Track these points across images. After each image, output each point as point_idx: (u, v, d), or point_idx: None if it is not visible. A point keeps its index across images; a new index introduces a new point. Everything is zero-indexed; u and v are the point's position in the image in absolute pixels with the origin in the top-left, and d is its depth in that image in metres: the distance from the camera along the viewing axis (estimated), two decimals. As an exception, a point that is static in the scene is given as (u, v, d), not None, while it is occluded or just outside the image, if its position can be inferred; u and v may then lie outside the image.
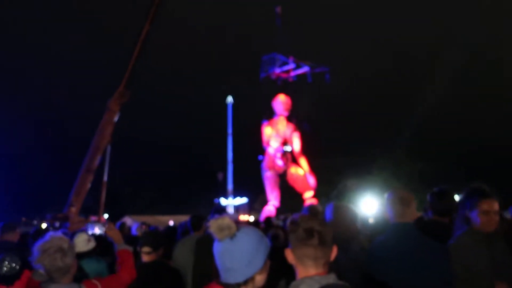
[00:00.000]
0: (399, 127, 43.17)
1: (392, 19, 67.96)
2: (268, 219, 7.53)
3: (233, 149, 47.53)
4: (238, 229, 1.96)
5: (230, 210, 43.45)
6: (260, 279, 1.95)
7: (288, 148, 14.52)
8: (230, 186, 46.73)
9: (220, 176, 46.60)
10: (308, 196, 14.66)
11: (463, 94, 57.93)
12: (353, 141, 44.87)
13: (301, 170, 14.75)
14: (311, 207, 5.16)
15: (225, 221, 1.93)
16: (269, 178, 14.73)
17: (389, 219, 6.84)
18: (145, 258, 3.71)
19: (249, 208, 48.15)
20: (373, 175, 35.67)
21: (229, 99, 48.83)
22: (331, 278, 1.90)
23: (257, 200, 49.82)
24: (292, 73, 16.37)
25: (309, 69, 16.18)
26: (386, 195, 3.24)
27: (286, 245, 4.93)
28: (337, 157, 37.41)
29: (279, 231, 5.97)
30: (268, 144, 14.89)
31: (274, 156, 14.69)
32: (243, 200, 45.48)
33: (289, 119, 15.37)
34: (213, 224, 1.94)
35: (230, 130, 47.73)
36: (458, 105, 54.99)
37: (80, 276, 3.63)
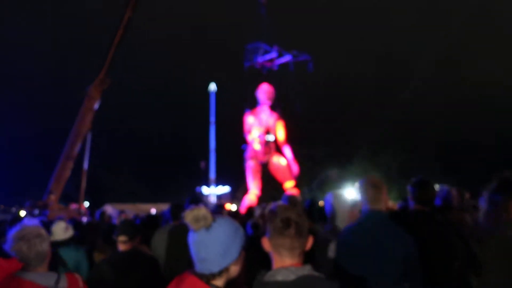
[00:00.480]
0: (379, 118, 43.64)
1: (379, 8, 68.26)
2: (250, 208, 7.56)
3: (216, 138, 47.44)
4: (214, 219, 1.96)
5: (213, 199, 43.47)
6: (234, 269, 1.97)
7: (270, 138, 14.51)
8: (212, 175, 46.71)
9: (202, 164, 46.52)
10: (289, 186, 14.73)
11: (443, 87, 58.71)
12: (334, 132, 45.21)
13: (284, 160, 14.80)
14: (290, 197, 5.22)
15: (201, 211, 1.93)
16: (251, 167, 14.75)
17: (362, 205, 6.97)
18: (122, 247, 3.72)
19: (232, 197, 48.26)
20: (353, 165, 36.09)
21: (212, 87, 48.59)
22: (306, 270, 1.93)
23: (239, 189, 49.98)
24: (276, 62, 16.34)
25: (291, 57, 16.19)
26: (358, 182, 3.32)
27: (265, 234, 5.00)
28: (318, 147, 37.74)
29: (259, 220, 6.04)
30: (250, 131, 14.90)
31: (253, 142, 14.71)
32: (225, 189, 45.55)
33: (273, 108, 15.37)
34: (189, 215, 1.93)
35: (213, 119, 47.58)
36: (438, 97, 55.76)
37: (58, 264, 3.64)
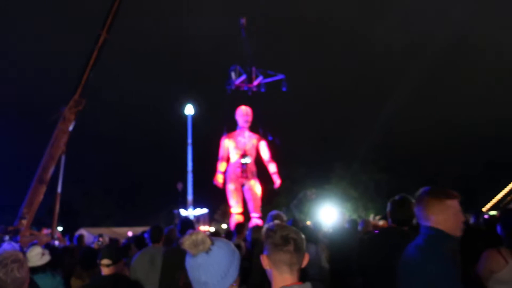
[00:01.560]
0: (356, 139, 44.28)
1: (357, 29, 69.86)
2: (239, 225, 7.21)
3: (193, 159, 47.12)
4: (212, 243, 1.95)
5: (190, 215, 42.93)
6: None
7: (247, 160, 14.50)
8: (190, 197, 46.21)
9: (179, 186, 46.00)
10: (254, 216, 14.71)
11: (419, 108, 60.14)
12: (312, 152, 45.55)
13: (259, 189, 14.80)
14: (276, 215, 5.22)
15: (200, 236, 1.92)
16: (231, 189, 14.66)
17: (345, 227, 6.97)
18: (105, 270, 3.60)
19: (210, 219, 47.76)
20: (331, 184, 36.33)
21: (189, 109, 48.48)
22: (307, 287, 2.00)
23: (217, 211, 49.62)
24: (254, 83, 16.52)
25: (262, 78, 16.41)
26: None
27: (248, 256, 4.92)
28: (296, 167, 37.87)
29: (241, 241, 5.96)
30: (223, 157, 14.87)
31: (233, 170, 14.68)
32: (203, 210, 45.06)
33: (253, 129, 15.44)
34: (187, 240, 1.92)
35: (190, 140, 47.31)
36: (413, 118, 57.00)
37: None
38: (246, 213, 14.77)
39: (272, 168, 15.38)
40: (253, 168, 14.67)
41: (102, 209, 52.58)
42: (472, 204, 24.86)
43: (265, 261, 2.07)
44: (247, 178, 14.56)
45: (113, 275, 3.56)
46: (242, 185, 14.67)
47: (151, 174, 59.77)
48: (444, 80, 65.64)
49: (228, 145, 14.75)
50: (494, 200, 28.35)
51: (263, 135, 15.59)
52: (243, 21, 16.79)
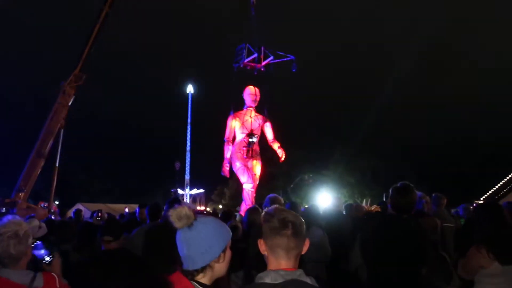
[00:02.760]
0: (354, 125, 44.23)
1: (360, 19, 69.23)
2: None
3: (191, 139, 47.12)
4: (195, 218, 2.01)
5: (187, 200, 43.11)
6: (219, 267, 2.02)
7: (253, 139, 14.46)
8: (187, 176, 46.37)
9: (177, 165, 46.09)
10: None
11: (416, 95, 59.92)
12: (310, 136, 45.54)
13: (259, 170, 14.83)
14: (273, 198, 5.23)
15: (184, 210, 1.99)
16: (239, 167, 14.65)
17: (340, 211, 7.01)
18: (106, 246, 3.64)
19: (206, 199, 48.01)
20: (328, 170, 36.45)
21: (190, 88, 48.29)
22: (297, 274, 1.92)
23: (214, 191, 49.78)
24: (263, 63, 16.39)
25: (272, 58, 16.27)
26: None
27: (244, 238, 4.95)
28: (294, 151, 37.91)
29: (237, 223, 5.99)
30: (229, 138, 14.82)
31: (238, 149, 14.65)
32: (199, 191, 45.24)
33: (259, 110, 15.39)
34: (173, 213, 1.99)
35: (189, 120, 47.27)
36: (412, 105, 56.86)
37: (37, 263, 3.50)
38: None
39: (276, 145, 15.35)
40: (257, 149, 14.67)
41: (100, 185, 52.75)
42: (467, 195, 24.98)
43: (262, 246, 2.03)
44: (251, 157, 14.56)
45: (115, 250, 3.58)
46: (246, 164, 14.68)
47: (150, 152, 59.79)
48: (444, 64, 65.35)
49: (234, 125, 14.71)
50: (490, 192, 28.55)
51: (267, 116, 15.52)
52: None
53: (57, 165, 25.48)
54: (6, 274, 2.44)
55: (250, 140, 14.20)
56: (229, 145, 14.49)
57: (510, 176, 28.04)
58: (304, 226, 2.01)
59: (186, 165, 46.51)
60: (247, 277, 4.35)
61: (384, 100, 45.52)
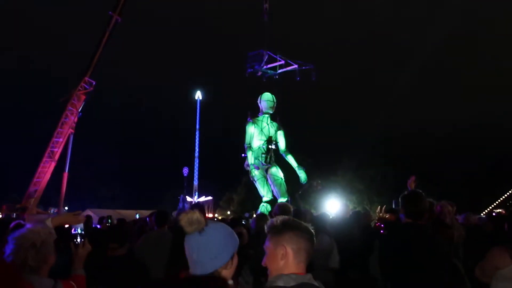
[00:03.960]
0: (364, 131, 44.06)
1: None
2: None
3: (199, 145, 47.24)
4: (207, 224, 2.02)
5: (194, 201, 43.10)
6: (226, 273, 2.02)
7: (273, 146, 14.43)
8: (195, 182, 46.44)
9: (185, 171, 46.15)
10: (282, 201, 14.65)
11: (425, 100, 59.64)
12: (319, 142, 45.45)
13: (281, 174, 14.73)
14: (282, 205, 5.23)
15: (195, 215, 1.99)
16: (257, 176, 14.60)
17: (347, 218, 6.98)
18: (112, 253, 3.65)
19: (215, 205, 47.96)
20: (337, 176, 36.28)
21: (198, 94, 48.49)
22: (307, 278, 2.01)
23: (223, 197, 49.76)
24: (280, 70, 16.43)
25: (297, 66, 16.34)
26: None
27: (250, 244, 4.94)
28: (303, 157, 37.77)
29: (243, 229, 5.99)
30: (250, 144, 14.80)
31: (258, 155, 14.60)
32: (207, 198, 45.20)
33: (274, 117, 15.38)
34: (183, 218, 1.99)
35: (198, 126, 47.43)
36: (421, 111, 56.59)
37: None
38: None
39: (292, 161, 15.24)
40: (275, 156, 14.64)
41: (108, 192, 52.98)
42: (475, 203, 24.73)
43: (282, 250, 2.08)
44: (269, 164, 14.53)
45: (119, 257, 3.59)
46: (266, 172, 14.64)
47: (158, 159, 60.02)
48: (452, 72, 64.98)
49: (253, 130, 14.70)
50: (500, 199, 28.27)
51: (280, 124, 15.48)
52: (266, 5, 16.66)
53: (66, 171, 25.68)
54: (32, 279, 2.46)
55: (270, 146, 14.18)
56: (249, 148, 14.50)
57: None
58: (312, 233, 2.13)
59: (195, 171, 46.59)
60: (256, 282, 4.35)
61: (394, 104, 45.31)
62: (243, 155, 14.66)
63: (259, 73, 16.31)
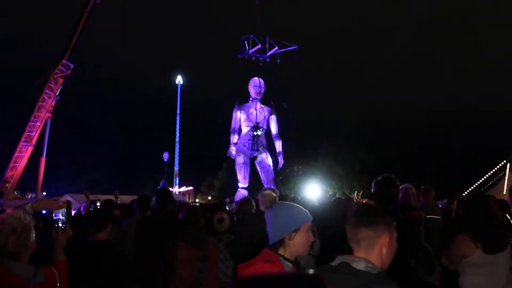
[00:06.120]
0: (344, 116, 44.38)
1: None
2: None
3: (180, 130, 46.97)
4: (275, 202, 2.58)
5: (175, 191, 42.95)
6: (293, 245, 2.37)
7: (258, 132, 14.35)
8: (176, 167, 46.29)
9: (165, 156, 45.94)
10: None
11: (406, 86, 60.29)
12: (299, 128, 45.58)
13: (270, 161, 14.67)
14: (267, 189, 5.26)
15: (272, 194, 2.92)
16: (239, 162, 14.55)
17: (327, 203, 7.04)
18: (91, 238, 3.62)
19: (195, 191, 47.87)
20: (318, 162, 36.54)
21: (179, 79, 48.06)
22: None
23: (203, 182, 49.67)
24: (269, 53, 16.24)
25: (277, 48, 16.12)
26: None
27: (231, 229, 4.96)
28: (283, 143, 37.89)
29: (224, 214, 6.01)
30: (235, 129, 14.66)
31: (244, 141, 14.51)
32: (188, 188, 45.07)
33: (264, 102, 15.21)
34: (262, 197, 2.84)
35: (178, 111, 47.10)
36: (400, 96, 57.20)
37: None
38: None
39: (278, 146, 15.23)
40: (263, 141, 14.49)
41: (87, 176, 52.29)
42: (454, 188, 25.26)
43: (387, 238, 2.09)
44: (257, 150, 14.44)
45: (97, 242, 3.57)
46: (252, 159, 14.58)
47: (140, 144, 59.45)
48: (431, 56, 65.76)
49: (239, 116, 14.51)
50: (474, 186, 28.88)
51: (275, 107, 15.35)
52: None
53: (44, 155, 25.27)
54: (10, 265, 2.43)
55: (255, 133, 14.10)
56: (234, 134, 14.35)
57: (494, 169, 28.39)
58: None
59: (175, 156, 46.40)
60: (236, 266, 4.38)
61: (373, 90, 45.67)
62: (229, 152, 14.52)
63: (253, 58, 16.17)
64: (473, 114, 52.27)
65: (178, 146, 46.88)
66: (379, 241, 2.01)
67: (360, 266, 1.91)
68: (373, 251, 2.00)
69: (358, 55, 66.52)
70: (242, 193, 14.30)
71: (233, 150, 14.42)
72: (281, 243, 2.36)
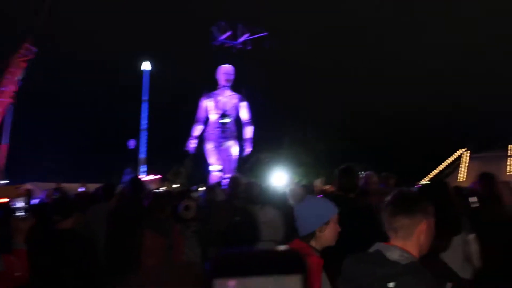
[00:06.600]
0: (311, 104, 44.79)
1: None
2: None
3: (148, 117, 46.27)
4: (304, 197, 2.68)
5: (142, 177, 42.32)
6: (323, 236, 2.54)
7: (226, 120, 14.29)
8: (142, 155, 45.66)
9: (131, 144, 45.15)
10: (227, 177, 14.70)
11: (376, 79, 61.24)
12: (266, 115, 45.70)
13: (236, 151, 14.62)
14: (234, 178, 5.35)
15: (299, 191, 2.77)
16: (209, 150, 14.45)
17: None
18: (56, 226, 3.60)
19: (163, 179, 47.32)
20: (284, 149, 36.84)
21: (147, 64, 47.17)
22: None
23: (169, 170, 49.16)
24: (239, 40, 16.14)
25: (248, 35, 16.05)
26: None
27: (198, 216, 5.02)
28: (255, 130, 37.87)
29: (191, 202, 6.06)
30: (201, 119, 14.53)
31: (212, 129, 14.40)
32: (156, 177, 44.51)
33: (235, 89, 15.08)
34: (291, 194, 2.83)
35: (146, 97, 46.32)
36: (371, 88, 58.12)
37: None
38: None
39: (248, 133, 15.21)
40: (232, 129, 14.40)
41: (50, 164, 50.93)
42: (415, 176, 26.03)
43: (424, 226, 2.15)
44: (226, 138, 14.37)
45: (63, 230, 3.55)
46: (220, 146, 14.50)
47: (105, 131, 58.27)
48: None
49: (207, 105, 14.36)
50: (433, 173, 29.93)
51: (245, 95, 15.30)
52: None
53: (6, 142, 24.55)
54: None
55: (222, 121, 14.06)
56: (199, 124, 14.21)
57: (452, 157, 29.46)
58: None
59: (142, 144, 45.77)
60: (204, 253, 4.45)
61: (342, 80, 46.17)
62: (187, 146, 14.31)
63: (227, 45, 16.09)
64: (436, 105, 53.71)
65: (145, 134, 46.19)
66: (416, 229, 1.99)
67: (394, 255, 1.91)
68: (411, 239, 1.99)
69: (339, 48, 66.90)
70: (215, 175, 14.27)
71: (192, 143, 14.32)
72: (313, 235, 2.52)
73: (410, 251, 1.95)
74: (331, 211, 2.60)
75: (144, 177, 44.38)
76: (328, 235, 2.54)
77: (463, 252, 3.51)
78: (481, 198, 4.18)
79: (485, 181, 4.52)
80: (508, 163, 43.99)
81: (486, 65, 54.48)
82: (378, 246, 2.00)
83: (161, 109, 46.37)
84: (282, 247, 2.21)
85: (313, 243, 2.52)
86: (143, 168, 45.15)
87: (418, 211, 2.01)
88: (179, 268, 4.17)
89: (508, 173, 41.70)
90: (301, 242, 2.53)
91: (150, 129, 46.41)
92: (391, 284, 1.81)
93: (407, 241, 1.98)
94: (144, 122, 46.05)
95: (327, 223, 2.53)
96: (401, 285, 1.80)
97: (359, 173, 4.63)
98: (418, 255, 1.99)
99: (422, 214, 2.01)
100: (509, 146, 43.62)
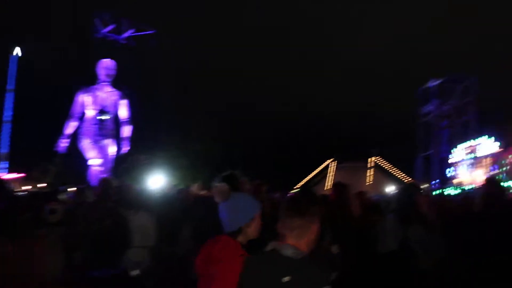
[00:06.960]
0: (191, 107, 44.74)
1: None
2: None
3: (14, 109, 42.10)
4: (230, 194, 2.73)
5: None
6: (250, 230, 2.67)
7: (104, 117, 13.51)
8: (4, 150, 41.44)
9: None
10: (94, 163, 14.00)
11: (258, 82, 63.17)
12: (142, 117, 44.54)
13: (112, 150, 13.94)
14: (105, 179, 5.19)
15: (224, 187, 2.74)
16: (86, 144, 13.50)
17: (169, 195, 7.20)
18: None
19: (26, 177, 43.41)
20: (162, 151, 36.22)
21: (17, 51, 42.92)
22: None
23: (36, 167, 45.25)
24: (123, 35, 15.36)
25: (134, 31, 15.39)
26: None
27: (65, 220, 4.81)
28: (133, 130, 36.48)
29: (57, 205, 5.74)
30: (75, 115, 13.56)
31: (89, 126, 13.50)
32: (20, 175, 40.68)
33: (114, 85, 14.25)
34: (215, 190, 2.77)
35: (11, 86, 42.16)
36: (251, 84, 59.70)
37: None
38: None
39: (126, 131, 14.62)
40: (110, 126, 13.70)
41: None
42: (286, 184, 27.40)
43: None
44: (103, 136, 13.65)
45: None
46: (97, 143, 13.70)
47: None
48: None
49: (83, 100, 13.46)
50: (305, 180, 32.00)
51: (125, 92, 14.61)
52: None
53: None
54: None
55: (99, 117, 13.39)
56: (73, 121, 13.30)
57: (321, 167, 31.82)
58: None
59: (4, 137, 41.53)
60: (69, 259, 4.26)
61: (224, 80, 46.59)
62: (57, 146, 13.41)
63: (110, 38, 15.34)
64: (307, 114, 57.19)
65: (9, 126, 42.00)
66: (310, 229, 2.29)
67: (288, 252, 2.18)
68: (303, 238, 2.26)
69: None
70: (95, 169, 13.53)
71: (63, 142, 13.44)
72: (240, 230, 2.63)
73: (302, 248, 2.23)
74: (255, 207, 2.74)
75: (3, 175, 40.38)
76: (253, 229, 2.68)
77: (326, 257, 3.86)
78: (334, 205, 4.64)
79: (338, 190, 4.99)
80: (368, 174, 49.29)
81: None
82: (273, 245, 2.27)
83: (30, 100, 42.45)
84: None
85: (240, 238, 2.64)
86: (3, 164, 41.02)
87: (312, 213, 2.32)
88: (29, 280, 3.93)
89: (367, 183, 46.53)
90: (229, 238, 2.63)
91: (14, 121, 42.32)
92: (286, 278, 2.08)
93: (300, 239, 2.26)
94: (8, 114, 41.89)
95: (253, 219, 2.68)
96: (296, 278, 2.09)
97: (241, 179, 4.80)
98: (308, 251, 2.27)
99: (314, 216, 2.33)
100: (369, 159, 48.92)
